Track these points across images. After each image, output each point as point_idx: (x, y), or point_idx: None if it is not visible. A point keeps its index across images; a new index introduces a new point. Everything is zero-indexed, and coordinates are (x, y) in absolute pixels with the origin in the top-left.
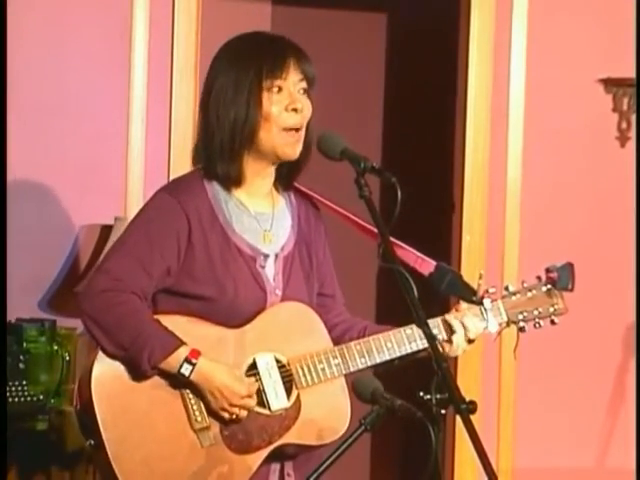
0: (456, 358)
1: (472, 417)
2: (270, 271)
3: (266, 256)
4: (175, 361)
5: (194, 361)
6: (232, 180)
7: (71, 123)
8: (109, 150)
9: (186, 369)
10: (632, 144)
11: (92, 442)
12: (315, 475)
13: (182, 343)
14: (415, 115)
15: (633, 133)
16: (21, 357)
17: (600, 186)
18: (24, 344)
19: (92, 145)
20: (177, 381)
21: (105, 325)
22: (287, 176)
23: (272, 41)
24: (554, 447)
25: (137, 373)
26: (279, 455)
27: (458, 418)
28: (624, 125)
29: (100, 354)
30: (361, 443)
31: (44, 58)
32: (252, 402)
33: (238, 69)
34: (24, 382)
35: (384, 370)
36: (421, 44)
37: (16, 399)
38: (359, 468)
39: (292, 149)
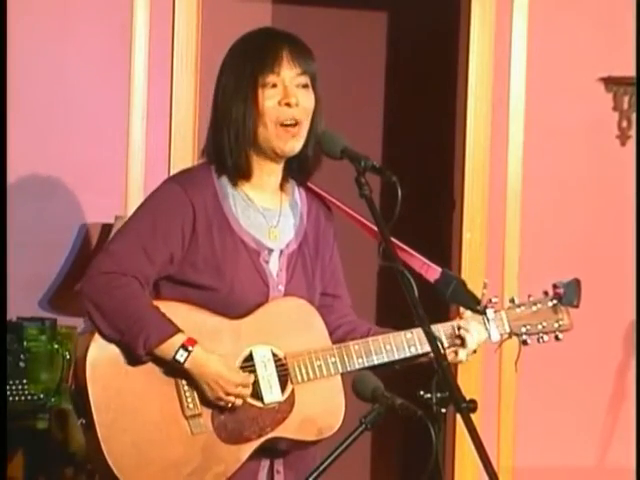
0: None
1: (472, 416)
2: (274, 267)
3: (270, 251)
4: (170, 348)
5: (190, 348)
6: (241, 173)
7: (71, 122)
8: (109, 149)
9: (181, 355)
10: (632, 143)
11: (84, 421)
12: (315, 474)
13: (179, 331)
14: (415, 114)
15: (633, 132)
16: (21, 356)
17: (601, 185)
18: (24, 343)
19: (92, 144)
20: (172, 368)
21: (104, 308)
22: (298, 174)
23: (268, 37)
24: (555, 446)
25: (132, 358)
26: (269, 450)
27: (459, 417)
28: (624, 124)
29: (97, 337)
30: (361, 443)
31: (44, 57)
32: (247, 392)
33: (236, 67)
34: (24, 381)
35: (385, 373)
36: (421, 43)
37: (16, 398)
38: (359, 468)
39: (287, 145)
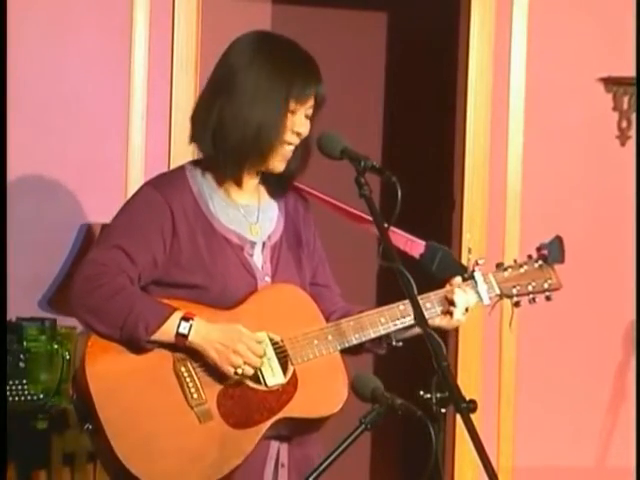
0: (456, 357)
1: (472, 416)
2: (258, 259)
3: (253, 244)
4: (172, 326)
5: (191, 321)
6: (231, 176)
7: (71, 121)
8: (109, 148)
9: (184, 327)
10: (632, 143)
11: (90, 426)
12: (315, 474)
13: (175, 309)
14: (415, 114)
15: (633, 132)
16: (21, 356)
17: (600, 185)
18: (24, 343)
19: (92, 143)
20: (171, 359)
21: (93, 308)
22: (281, 182)
23: (306, 62)
24: (554, 446)
25: (135, 349)
26: (274, 437)
27: (458, 417)
28: (624, 124)
29: (92, 341)
30: (361, 443)
31: (44, 56)
32: (254, 355)
33: (270, 80)
34: (24, 381)
35: (388, 351)
36: (421, 43)
37: (16, 398)
38: (359, 468)
39: (280, 164)
